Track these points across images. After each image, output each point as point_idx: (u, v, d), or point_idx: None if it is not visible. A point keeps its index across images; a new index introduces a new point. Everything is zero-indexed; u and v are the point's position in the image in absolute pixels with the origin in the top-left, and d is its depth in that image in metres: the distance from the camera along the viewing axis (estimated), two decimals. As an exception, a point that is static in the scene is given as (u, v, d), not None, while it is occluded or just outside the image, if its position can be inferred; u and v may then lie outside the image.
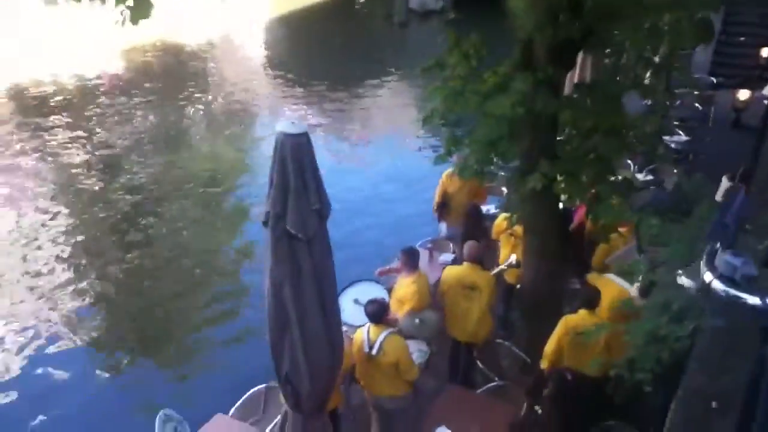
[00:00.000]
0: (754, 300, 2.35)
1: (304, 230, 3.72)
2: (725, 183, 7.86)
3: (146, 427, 4.67)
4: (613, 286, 5.37)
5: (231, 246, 10.89)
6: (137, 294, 9.14)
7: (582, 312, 5.04)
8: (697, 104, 12.67)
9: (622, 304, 4.79)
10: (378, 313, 4.99)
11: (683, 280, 3.25)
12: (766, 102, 11.41)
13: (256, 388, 5.59)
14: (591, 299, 5.09)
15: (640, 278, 4.61)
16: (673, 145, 10.38)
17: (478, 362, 5.86)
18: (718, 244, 2.57)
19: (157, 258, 9.99)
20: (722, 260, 2.48)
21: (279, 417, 4.72)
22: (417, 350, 5.72)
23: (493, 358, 6.04)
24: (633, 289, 5.26)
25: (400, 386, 5.03)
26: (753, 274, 2.42)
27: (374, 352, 4.90)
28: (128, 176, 12.59)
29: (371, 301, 5.10)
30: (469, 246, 5.91)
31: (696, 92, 12.95)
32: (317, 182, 3.77)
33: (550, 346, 5.11)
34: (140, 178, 12.54)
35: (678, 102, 12.38)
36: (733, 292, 2.41)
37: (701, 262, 2.62)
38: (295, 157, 3.62)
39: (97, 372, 7.59)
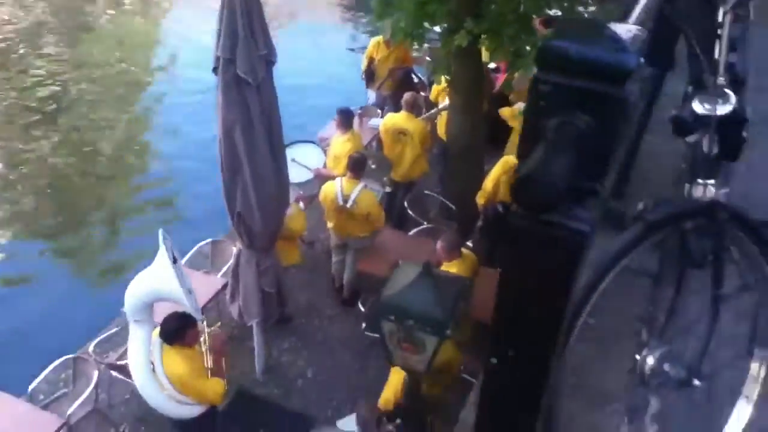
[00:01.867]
0: None
1: (253, 75, 3.96)
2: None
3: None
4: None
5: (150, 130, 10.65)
6: (60, 177, 8.94)
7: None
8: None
9: None
10: (360, 163, 5.42)
11: None
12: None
13: (203, 242, 5.93)
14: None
15: None
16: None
17: (409, 211, 6.41)
18: None
19: (77, 145, 9.69)
20: None
21: (232, 260, 5.14)
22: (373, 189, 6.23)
23: (422, 206, 6.60)
24: None
25: (367, 229, 5.61)
26: None
27: (349, 204, 5.36)
28: (35, 63, 11.83)
29: (357, 152, 5.52)
30: (405, 96, 6.49)
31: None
32: (264, 29, 3.98)
33: (488, 183, 5.70)
34: (50, 63, 11.82)
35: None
36: None
37: None
38: (244, 4, 3.77)
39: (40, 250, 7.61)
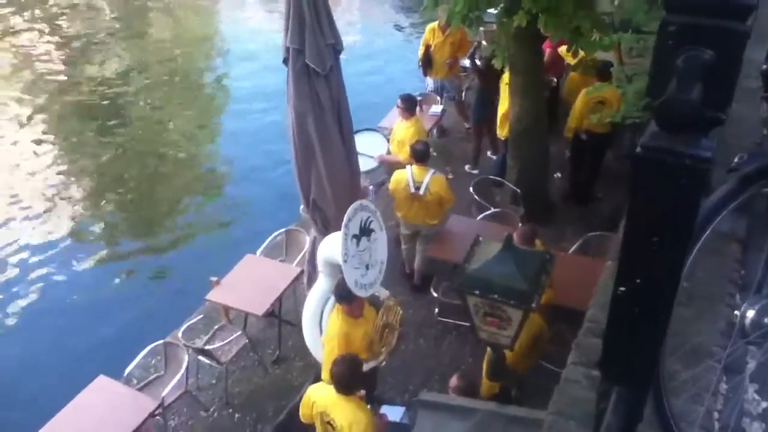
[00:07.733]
0: None
1: (322, 64, 4.07)
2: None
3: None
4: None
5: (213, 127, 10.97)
6: (122, 179, 9.20)
7: (597, 84, 6.36)
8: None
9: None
10: (425, 153, 5.56)
11: None
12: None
13: (277, 232, 6.12)
14: (603, 71, 6.43)
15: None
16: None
17: (475, 196, 6.40)
18: None
19: (140, 142, 10.06)
20: None
21: (307, 247, 5.31)
22: None
23: (488, 192, 6.60)
24: None
25: (438, 216, 5.71)
26: None
27: (422, 191, 5.48)
28: (98, 64, 12.40)
29: (418, 142, 5.68)
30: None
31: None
32: (330, 19, 4.09)
33: (573, 117, 6.64)
34: (112, 64, 12.37)
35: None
36: None
37: None
38: (310, -7, 3.89)
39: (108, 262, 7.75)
